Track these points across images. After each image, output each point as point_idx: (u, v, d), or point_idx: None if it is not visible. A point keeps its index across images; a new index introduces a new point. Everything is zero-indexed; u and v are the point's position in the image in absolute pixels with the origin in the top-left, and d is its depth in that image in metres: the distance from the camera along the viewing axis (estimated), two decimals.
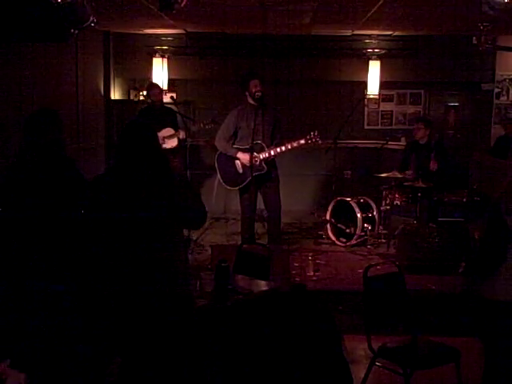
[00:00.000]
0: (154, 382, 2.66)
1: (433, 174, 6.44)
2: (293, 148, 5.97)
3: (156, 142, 2.98)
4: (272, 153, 5.96)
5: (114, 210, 2.75)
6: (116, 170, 2.96)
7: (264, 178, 6.07)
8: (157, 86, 7.53)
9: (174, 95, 8.21)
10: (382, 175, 6.63)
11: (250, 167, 5.84)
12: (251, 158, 5.79)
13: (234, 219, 7.37)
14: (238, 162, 6.07)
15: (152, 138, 2.94)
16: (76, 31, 4.42)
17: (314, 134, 5.92)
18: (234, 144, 6.13)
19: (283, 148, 5.94)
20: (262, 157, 5.95)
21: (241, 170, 6.06)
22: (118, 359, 2.70)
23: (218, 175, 6.25)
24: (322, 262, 6.02)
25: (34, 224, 3.13)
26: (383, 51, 8.69)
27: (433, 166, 6.44)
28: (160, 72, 8.64)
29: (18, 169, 3.33)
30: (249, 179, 5.93)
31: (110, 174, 3.18)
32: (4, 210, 2.18)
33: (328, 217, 6.90)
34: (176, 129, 7.12)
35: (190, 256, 5.50)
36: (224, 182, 6.23)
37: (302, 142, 5.95)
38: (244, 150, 5.97)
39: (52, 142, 3.36)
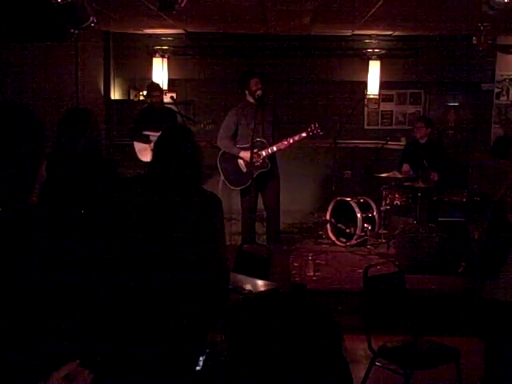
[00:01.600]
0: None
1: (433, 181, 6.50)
2: (295, 142, 5.95)
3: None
4: (274, 149, 5.94)
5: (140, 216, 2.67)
6: (150, 177, 2.84)
7: (266, 176, 6.05)
8: (157, 87, 7.38)
9: (174, 95, 8.20)
10: (382, 175, 6.62)
11: (252, 166, 5.82)
12: (251, 155, 5.76)
13: (235, 219, 7.36)
14: (241, 161, 6.05)
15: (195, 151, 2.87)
16: (76, 31, 4.44)
17: (314, 126, 5.90)
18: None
19: (285, 143, 5.92)
20: (264, 153, 5.93)
21: (244, 170, 6.04)
22: None
23: (222, 176, 6.22)
24: (322, 262, 6.01)
25: (73, 224, 3.09)
26: (383, 51, 8.69)
27: (433, 176, 6.50)
28: (160, 72, 8.64)
29: (58, 169, 3.23)
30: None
31: (143, 179, 3.02)
32: (47, 208, 2.13)
33: (328, 217, 6.89)
34: None
35: None
36: (228, 182, 6.19)
37: (304, 134, 5.93)
38: (246, 149, 5.95)
39: (89, 141, 3.36)
